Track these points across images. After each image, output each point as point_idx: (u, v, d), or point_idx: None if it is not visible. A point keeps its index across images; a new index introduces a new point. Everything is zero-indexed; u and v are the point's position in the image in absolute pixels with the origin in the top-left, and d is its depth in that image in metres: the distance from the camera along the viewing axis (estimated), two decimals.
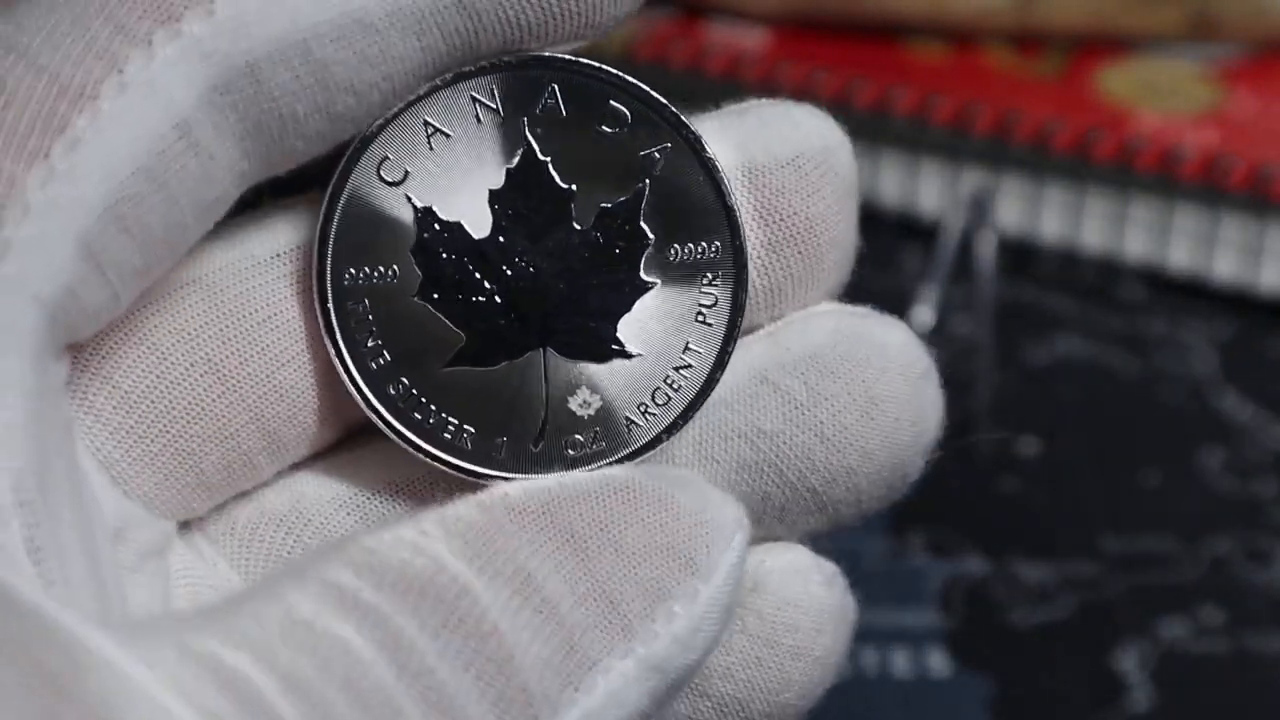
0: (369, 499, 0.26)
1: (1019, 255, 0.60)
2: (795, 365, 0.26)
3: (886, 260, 0.60)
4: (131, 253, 0.23)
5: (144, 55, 0.22)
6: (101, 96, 0.22)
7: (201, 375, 0.25)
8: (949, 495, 0.51)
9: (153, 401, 0.25)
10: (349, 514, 0.26)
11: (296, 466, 0.26)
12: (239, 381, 0.25)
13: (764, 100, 0.27)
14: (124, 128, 0.22)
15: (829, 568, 0.27)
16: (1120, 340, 0.57)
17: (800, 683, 0.27)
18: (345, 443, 0.27)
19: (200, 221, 0.23)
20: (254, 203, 0.25)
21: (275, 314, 0.25)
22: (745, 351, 0.26)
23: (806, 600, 0.26)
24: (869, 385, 0.26)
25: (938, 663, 0.46)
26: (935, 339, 0.52)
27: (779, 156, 0.26)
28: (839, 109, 0.62)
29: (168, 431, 0.25)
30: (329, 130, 0.24)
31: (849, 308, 0.27)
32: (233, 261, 0.25)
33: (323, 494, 0.26)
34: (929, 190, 0.61)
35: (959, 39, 0.63)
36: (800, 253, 0.26)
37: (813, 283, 0.27)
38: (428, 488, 0.26)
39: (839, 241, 0.27)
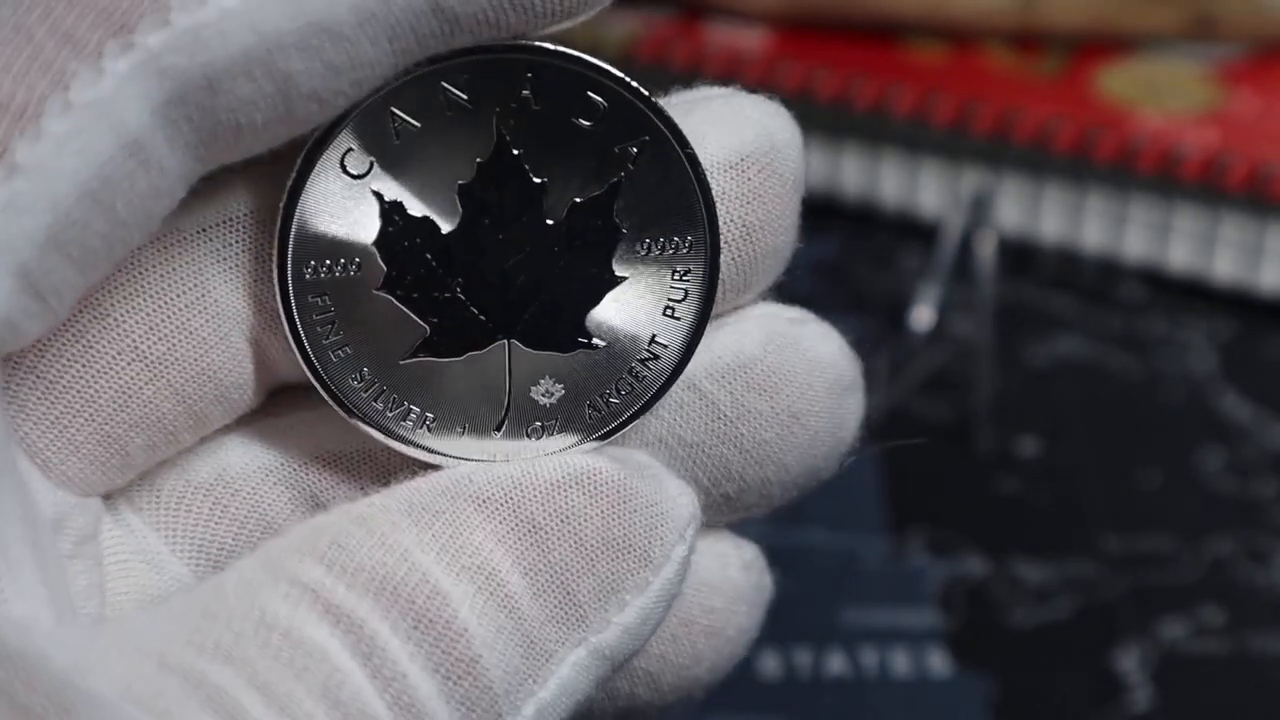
0: (297, 469, 0.26)
1: (1019, 255, 0.60)
2: (724, 375, 0.26)
3: (886, 260, 0.60)
4: (73, 275, 0.22)
5: (92, 70, 0.20)
6: (45, 115, 0.20)
7: (129, 364, 0.24)
8: (949, 495, 0.51)
9: (78, 391, 0.24)
10: (276, 483, 0.26)
11: (221, 430, 0.26)
12: (166, 367, 0.24)
13: (715, 90, 0.26)
14: (69, 153, 0.20)
15: (749, 551, 0.28)
16: (1120, 340, 0.57)
17: (711, 660, 0.27)
18: (270, 405, 0.26)
19: (144, 230, 0.22)
20: None
21: (203, 295, 0.24)
22: None
23: (724, 583, 0.27)
24: (792, 400, 0.26)
25: (938, 663, 0.46)
26: (935, 339, 0.53)
27: (720, 159, 0.25)
28: (839, 109, 0.63)
29: (93, 420, 0.24)
30: (288, 133, 0.23)
31: (785, 311, 0.27)
32: (157, 239, 0.24)
33: (249, 463, 0.26)
34: (929, 190, 0.61)
35: (959, 39, 0.63)
36: (733, 259, 0.26)
37: (743, 288, 0.26)
38: (359, 461, 0.26)
39: (776, 249, 0.26)
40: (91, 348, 0.24)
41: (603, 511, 0.24)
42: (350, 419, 0.25)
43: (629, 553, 0.24)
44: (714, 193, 0.25)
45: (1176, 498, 0.51)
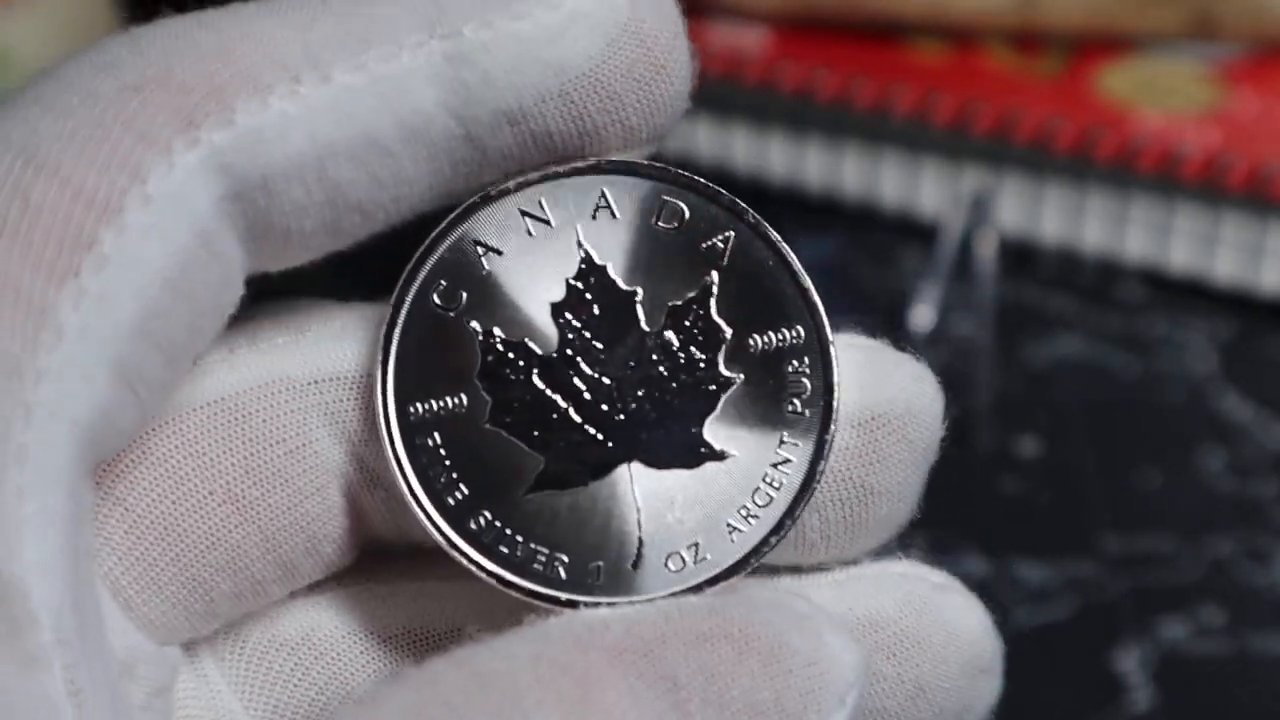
0: (388, 642, 0.25)
1: (1019, 255, 0.60)
2: (853, 632, 0.24)
3: (886, 260, 0.60)
4: (160, 368, 0.22)
5: (164, 164, 0.21)
6: (126, 209, 0.21)
7: (219, 504, 0.23)
8: (949, 495, 0.51)
9: (165, 528, 0.23)
10: (363, 653, 0.25)
11: (313, 587, 0.25)
12: (258, 513, 0.24)
13: (861, 340, 0.25)
14: (151, 242, 0.21)
15: None
16: (1120, 340, 0.57)
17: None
18: (371, 571, 0.25)
19: (216, 324, 0.23)
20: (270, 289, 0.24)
21: (304, 445, 0.24)
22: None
23: None
24: (921, 670, 0.25)
25: None
26: (935, 339, 0.53)
27: (850, 414, 0.24)
28: (839, 109, 0.63)
29: (179, 560, 0.23)
30: (331, 244, 0.23)
31: (931, 574, 0.26)
32: (265, 383, 0.24)
33: (338, 626, 0.25)
34: (929, 190, 0.61)
35: (959, 39, 0.63)
36: (844, 519, 0.25)
37: (850, 547, 0.25)
38: (451, 637, 0.25)
39: (890, 517, 0.25)
40: (183, 484, 0.23)
41: (752, 670, 0.22)
42: (472, 568, 0.24)
43: (779, 719, 0.22)
44: (836, 444, 0.24)
45: (1176, 498, 0.51)
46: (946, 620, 0.25)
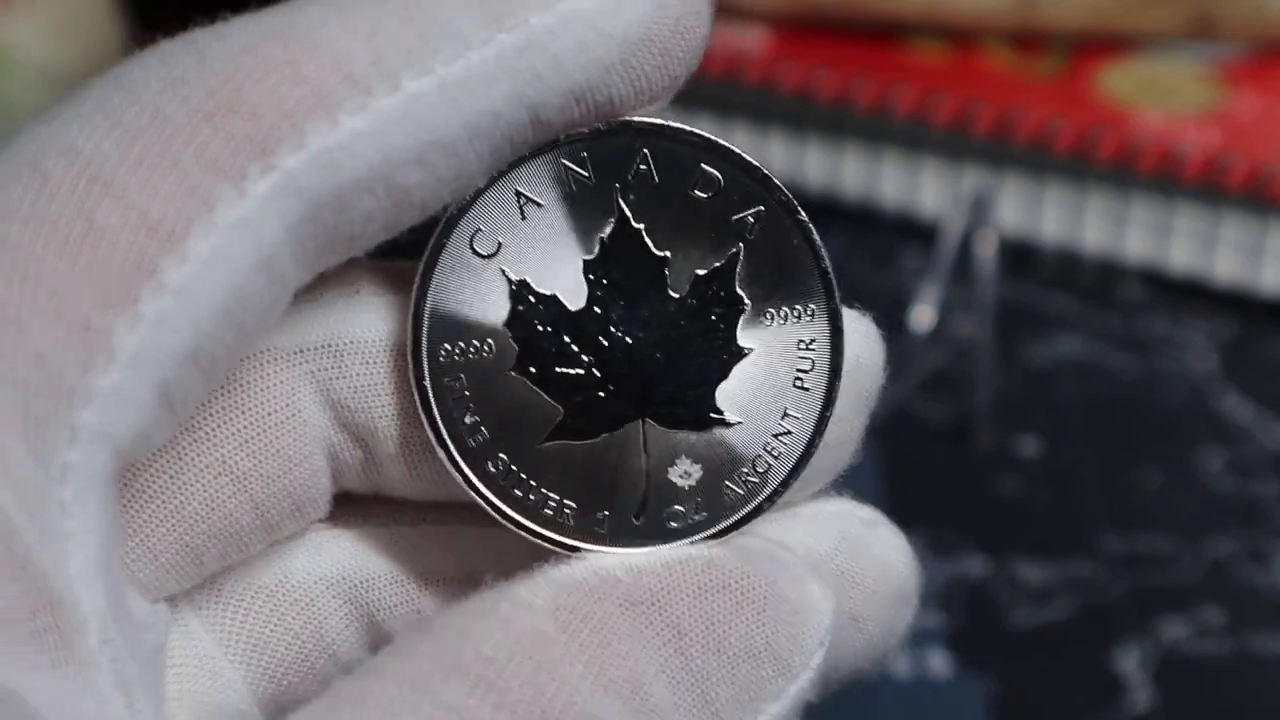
0: (359, 586, 0.26)
1: (1019, 255, 0.60)
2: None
3: (886, 260, 0.60)
4: (201, 388, 0.22)
5: (235, 192, 0.21)
6: (191, 237, 0.21)
7: (215, 477, 0.24)
8: (949, 495, 0.51)
9: (164, 500, 0.24)
10: (336, 597, 0.26)
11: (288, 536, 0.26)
12: (250, 483, 0.24)
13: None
14: (213, 272, 0.21)
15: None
16: (1120, 340, 0.57)
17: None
18: (340, 516, 0.26)
19: (260, 338, 0.23)
20: None
21: (293, 415, 0.25)
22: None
23: None
24: (855, 604, 0.26)
25: (938, 663, 0.46)
26: (935, 339, 0.53)
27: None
28: (839, 109, 0.63)
29: (176, 529, 0.24)
30: (387, 236, 0.23)
31: (858, 510, 0.27)
32: (256, 353, 0.25)
33: (313, 572, 0.26)
34: (929, 190, 0.61)
35: (959, 39, 0.63)
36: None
37: (796, 496, 0.26)
38: (425, 582, 0.26)
39: (836, 464, 0.26)
40: (181, 458, 0.24)
41: (748, 618, 0.23)
42: (488, 509, 0.25)
43: (770, 661, 0.23)
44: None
45: (1176, 498, 0.51)
46: (877, 555, 0.26)
